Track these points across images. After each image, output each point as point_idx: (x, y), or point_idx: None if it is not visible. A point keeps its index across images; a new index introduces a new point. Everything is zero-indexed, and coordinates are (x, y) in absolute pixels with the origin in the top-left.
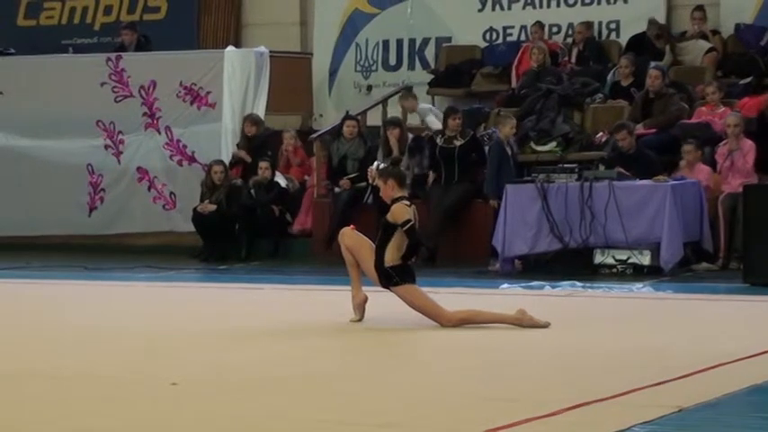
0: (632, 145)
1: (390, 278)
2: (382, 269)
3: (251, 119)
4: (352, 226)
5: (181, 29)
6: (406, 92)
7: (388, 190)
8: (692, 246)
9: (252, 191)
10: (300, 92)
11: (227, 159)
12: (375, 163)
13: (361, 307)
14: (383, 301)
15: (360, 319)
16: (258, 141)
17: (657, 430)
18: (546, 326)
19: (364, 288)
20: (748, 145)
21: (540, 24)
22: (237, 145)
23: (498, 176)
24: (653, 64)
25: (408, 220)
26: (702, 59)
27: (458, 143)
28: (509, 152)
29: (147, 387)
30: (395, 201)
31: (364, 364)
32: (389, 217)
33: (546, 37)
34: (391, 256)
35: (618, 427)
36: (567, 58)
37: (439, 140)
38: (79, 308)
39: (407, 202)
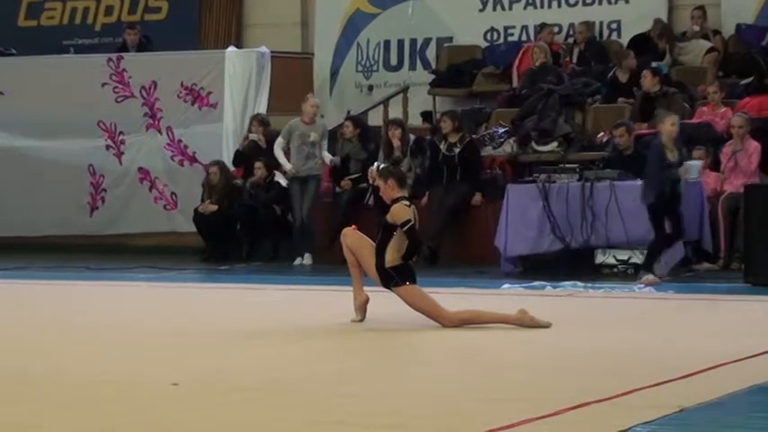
0: (629, 144)
1: (391, 279)
2: (383, 270)
3: (258, 119)
4: (353, 226)
5: (182, 29)
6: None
7: (388, 190)
8: (693, 246)
9: (251, 191)
10: (301, 92)
11: (228, 160)
12: (375, 163)
13: (362, 307)
14: (384, 302)
15: (361, 320)
16: (270, 141)
17: (659, 430)
18: (547, 326)
19: (366, 288)
20: (753, 146)
21: (544, 25)
22: (239, 147)
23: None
24: (654, 65)
25: (408, 221)
26: (703, 59)
27: (456, 150)
28: (671, 158)
29: (147, 387)
30: (395, 201)
31: (365, 364)
32: (389, 217)
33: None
34: (392, 256)
35: (619, 428)
36: (568, 59)
37: (442, 146)
38: (80, 308)
39: (407, 202)
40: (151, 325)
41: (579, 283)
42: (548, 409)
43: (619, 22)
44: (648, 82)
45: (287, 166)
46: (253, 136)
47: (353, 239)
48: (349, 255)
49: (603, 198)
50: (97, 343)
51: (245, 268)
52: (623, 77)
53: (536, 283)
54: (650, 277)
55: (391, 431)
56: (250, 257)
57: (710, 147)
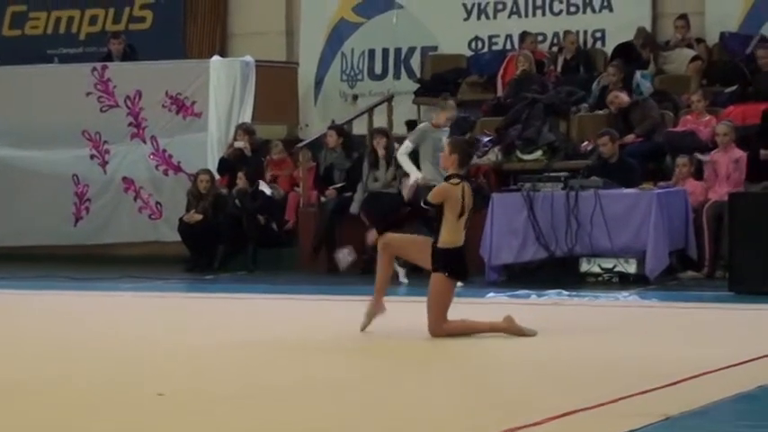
0: (613, 152)
1: (436, 260)
2: (434, 248)
3: (243, 128)
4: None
5: (166, 38)
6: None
7: (449, 162)
8: (677, 254)
9: (237, 200)
10: (286, 101)
11: (213, 168)
12: (418, 175)
13: (374, 314)
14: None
15: (365, 326)
16: (255, 150)
17: None
18: (532, 334)
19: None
20: (738, 154)
21: (526, 34)
22: (224, 155)
23: None
24: (638, 73)
25: (432, 205)
26: (687, 68)
27: None
28: None
29: (133, 397)
30: (447, 177)
31: (357, 371)
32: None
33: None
34: (445, 237)
35: None
36: (552, 68)
37: None
38: (65, 318)
39: (457, 181)
40: (135, 335)
41: (564, 292)
42: (533, 417)
43: (603, 31)
44: (620, 100)
45: (417, 174)
46: (239, 144)
47: (396, 242)
48: (388, 265)
49: (588, 206)
50: (81, 353)
51: (230, 277)
52: (613, 88)
53: (521, 292)
54: None
55: None
56: (224, 268)
57: (695, 155)
